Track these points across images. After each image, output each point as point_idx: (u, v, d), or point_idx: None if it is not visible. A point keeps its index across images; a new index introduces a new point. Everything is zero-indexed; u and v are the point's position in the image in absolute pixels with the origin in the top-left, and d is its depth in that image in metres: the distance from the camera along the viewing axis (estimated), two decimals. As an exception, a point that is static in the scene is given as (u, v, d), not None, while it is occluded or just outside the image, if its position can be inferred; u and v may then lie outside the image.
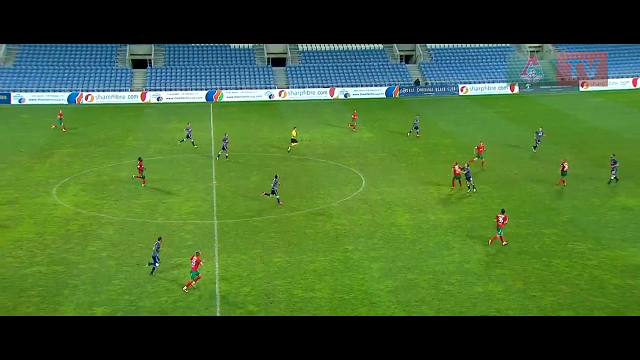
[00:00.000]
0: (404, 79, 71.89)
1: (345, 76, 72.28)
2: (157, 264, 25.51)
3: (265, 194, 34.21)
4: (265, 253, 27.76)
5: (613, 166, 36.12)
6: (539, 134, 44.25)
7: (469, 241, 28.80)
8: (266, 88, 69.14)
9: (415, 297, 23.59)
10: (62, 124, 52.07)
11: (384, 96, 68.82)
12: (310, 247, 28.34)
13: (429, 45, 76.49)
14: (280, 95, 68.09)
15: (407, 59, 77.24)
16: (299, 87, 69.74)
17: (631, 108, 58.24)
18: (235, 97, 67.72)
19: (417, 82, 70.86)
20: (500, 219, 28.06)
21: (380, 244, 28.67)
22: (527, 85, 69.42)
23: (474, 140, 47.84)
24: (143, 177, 37.18)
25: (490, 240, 28.22)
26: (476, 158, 40.60)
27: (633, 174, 37.62)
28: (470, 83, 70.60)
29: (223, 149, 43.18)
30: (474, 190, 35.27)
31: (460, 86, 69.71)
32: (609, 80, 69.45)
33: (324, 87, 69.74)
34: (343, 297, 23.68)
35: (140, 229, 30.81)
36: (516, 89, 69.24)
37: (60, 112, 53.40)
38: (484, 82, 70.78)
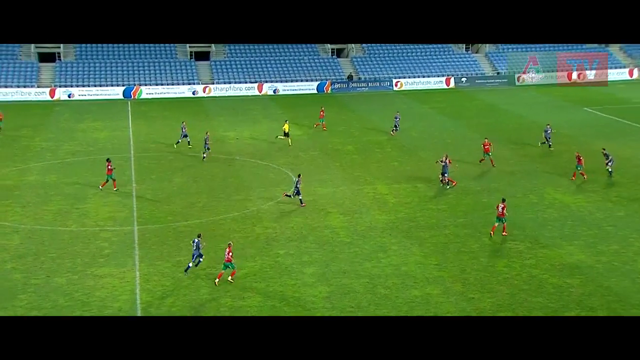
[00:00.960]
0: (336, 74, 72.48)
1: (274, 71, 72.25)
2: (201, 259, 25.94)
3: (287, 194, 33.97)
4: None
5: (607, 161, 37.41)
6: (548, 132, 44.19)
7: (406, 242, 29.31)
8: (189, 84, 68.27)
9: (351, 302, 23.81)
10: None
11: (315, 92, 69.19)
12: (238, 253, 28.13)
13: (361, 38, 77.34)
14: (204, 92, 67.36)
15: (339, 52, 77.91)
16: (224, 83, 69.21)
17: (566, 102, 60.72)
18: (155, 93, 66.53)
19: (349, 77, 71.58)
20: (500, 208, 29.34)
21: (314, 248, 28.79)
22: (462, 79, 71.31)
23: (410, 137, 48.77)
24: (114, 180, 35.97)
25: (491, 232, 29.45)
26: (484, 157, 40.57)
27: (570, 170, 39.20)
28: (405, 78, 71.90)
29: (207, 149, 42.54)
30: (447, 187, 36.05)
31: (394, 81, 70.90)
32: (545, 74, 72.13)
33: (251, 82, 69.48)
34: (275, 305, 23.64)
35: (51, 237, 29.80)
36: (452, 83, 71.02)
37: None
38: (419, 77, 72.26)
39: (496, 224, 29.66)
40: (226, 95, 67.41)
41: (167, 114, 58.15)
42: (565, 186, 36.45)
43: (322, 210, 33.49)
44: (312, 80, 70.67)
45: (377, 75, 72.47)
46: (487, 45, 77.81)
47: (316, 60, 74.31)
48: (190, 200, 34.88)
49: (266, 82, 69.73)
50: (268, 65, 73.01)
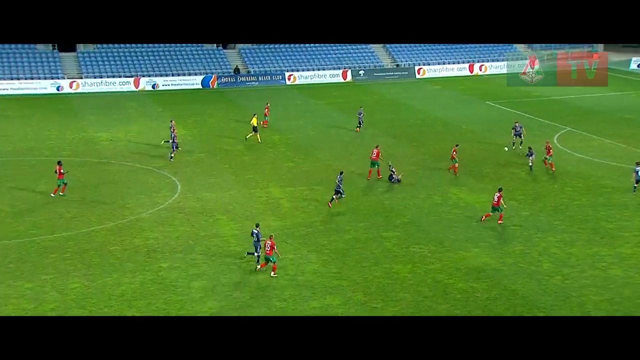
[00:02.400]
0: (223, 67, 72.11)
1: (153, 64, 70.98)
2: (256, 254, 27.48)
3: (333, 199, 34.18)
4: (59, 278, 26.42)
5: (529, 154, 39.71)
6: (518, 129, 44.36)
7: (303, 250, 29.55)
8: (52, 78, 65.83)
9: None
10: None
11: (200, 87, 68.53)
12: (116, 268, 27.42)
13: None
14: (71, 87, 65.18)
15: (225, 43, 77.55)
16: (94, 77, 67.28)
17: (468, 96, 63.26)
18: (12, 89, 63.70)
19: (236, 70, 71.37)
20: (496, 198, 31.98)
21: (202, 259, 28.50)
22: (360, 72, 72.78)
23: (306, 136, 49.21)
24: (65, 184, 35.57)
25: (482, 218, 32.32)
26: (548, 160, 39.60)
27: (473, 168, 40.87)
28: (298, 71, 72.51)
29: (174, 147, 42.95)
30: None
31: (287, 74, 71.35)
32: (446, 66, 74.89)
33: (126, 76, 67.89)
34: (158, 326, 23.16)
35: None
36: (349, 77, 72.32)
37: None
38: (314, 70, 73.09)
39: (490, 214, 32.30)
40: (97, 91, 65.51)
41: (26, 112, 55.80)
42: (469, 185, 37.94)
43: (211, 218, 33.19)
44: (195, 74, 69.97)
45: (267, 69, 72.67)
46: (386, 35, 79.74)
47: (200, 52, 73.64)
48: (57, 211, 33.64)
49: (143, 76, 68.34)
50: (145, 58, 71.60)
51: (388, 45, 78.36)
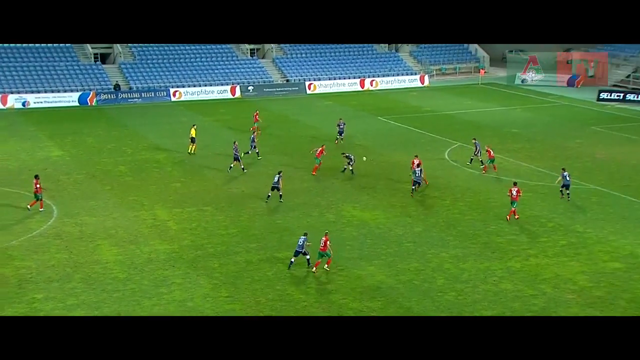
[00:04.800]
0: (102, 83, 70.39)
1: (23, 80, 68.46)
2: (307, 256, 29.73)
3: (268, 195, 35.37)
4: None
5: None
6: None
7: (192, 274, 29.11)
8: None
9: (129, 349, 23.04)
10: None
11: (77, 104, 66.63)
12: (-16, 302, 26.08)
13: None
14: None
15: (104, 58, 75.83)
16: (-41, 93, 64.08)
17: (360, 112, 64.47)
18: None
19: (117, 87, 69.85)
20: (514, 192, 34.59)
21: (81, 288, 27.55)
22: (249, 88, 72.82)
23: (194, 154, 48.62)
24: (40, 200, 36.15)
25: (508, 217, 34.81)
26: (487, 164, 43.34)
27: (367, 184, 41.59)
28: (184, 87, 71.78)
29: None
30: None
31: (172, 90, 70.48)
32: (337, 81, 76.09)
33: (-5, 93, 65.10)
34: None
35: None
36: (238, 93, 72.21)
37: None
38: (200, 86, 72.56)
39: (513, 208, 34.85)
40: (-38, 109, 62.42)
41: None
42: (363, 202, 38.54)
43: (91, 243, 32.19)
44: (72, 91, 67.99)
45: (151, 85, 71.52)
46: (274, 50, 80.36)
47: (76, 67, 71.68)
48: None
49: (12, 92, 65.77)
50: (14, 72, 68.96)
51: (277, 60, 78.88)
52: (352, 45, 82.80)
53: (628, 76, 72.82)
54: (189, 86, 72.21)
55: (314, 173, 43.06)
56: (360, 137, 53.92)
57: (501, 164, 45.28)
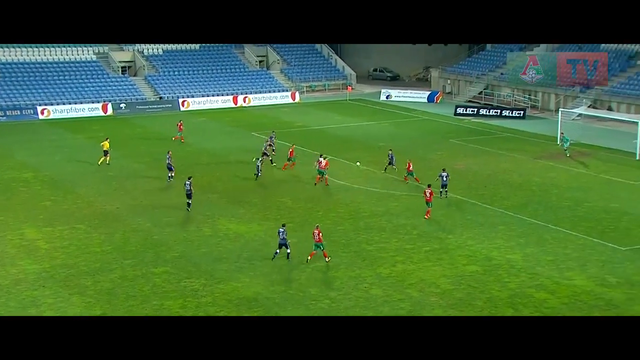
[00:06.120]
0: (-35, 100, 66.89)
1: None
2: (288, 249, 31.51)
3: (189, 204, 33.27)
4: None
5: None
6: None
7: (64, 293, 28.21)
8: None
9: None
10: None
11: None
12: None
13: (-5, 58, 72.91)
14: None
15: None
16: None
17: (234, 128, 64.47)
18: None
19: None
20: (427, 194, 37.23)
21: (-54, 313, 26.03)
22: (121, 105, 71.26)
23: (65, 172, 47.09)
24: None
25: (426, 216, 37.22)
26: (408, 176, 44.13)
27: (243, 198, 41.66)
28: (52, 104, 69.31)
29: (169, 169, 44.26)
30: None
31: (39, 108, 67.96)
32: (210, 98, 75.77)
33: None
34: None
35: None
36: (110, 110, 70.46)
37: None
38: (70, 103, 70.32)
39: (429, 208, 37.18)
40: None
41: None
42: (239, 215, 38.58)
43: (-45, 266, 30.49)
44: None
45: (17, 102, 68.65)
46: (146, 67, 79.09)
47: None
48: None
49: None
50: None
51: (149, 78, 77.65)
52: (224, 62, 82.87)
53: (480, 93, 76.67)
54: (57, 104, 69.73)
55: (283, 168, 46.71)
56: (234, 152, 53.92)
57: (369, 176, 46.58)
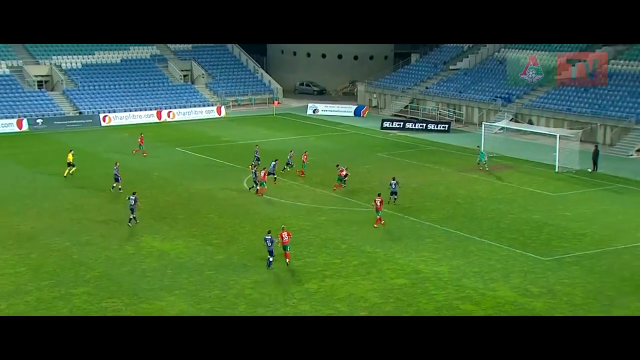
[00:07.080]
0: None
1: None
2: (271, 258, 32.07)
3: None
4: None
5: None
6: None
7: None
8: None
9: None
10: None
11: None
12: None
13: None
14: None
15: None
16: None
17: (158, 143, 63.44)
18: None
19: None
20: (378, 202, 38.20)
21: None
22: (38, 121, 69.25)
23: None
24: None
25: (375, 224, 38.26)
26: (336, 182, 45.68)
27: (167, 214, 40.93)
28: (-36, 120, 66.87)
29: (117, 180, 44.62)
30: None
31: (-49, 124, 65.40)
32: (133, 113, 74.44)
33: None
34: None
35: None
36: (25, 126, 68.39)
37: None
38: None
39: (378, 216, 38.20)
40: None
41: None
42: (163, 232, 37.88)
43: None
44: None
45: None
46: (64, 83, 77.19)
47: None
48: None
49: None
50: None
51: (68, 92, 75.80)
52: (147, 76, 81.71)
53: (406, 107, 77.79)
54: (-31, 119, 67.32)
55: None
56: (158, 168, 53.03)
57: (297, 191, 46.51)
